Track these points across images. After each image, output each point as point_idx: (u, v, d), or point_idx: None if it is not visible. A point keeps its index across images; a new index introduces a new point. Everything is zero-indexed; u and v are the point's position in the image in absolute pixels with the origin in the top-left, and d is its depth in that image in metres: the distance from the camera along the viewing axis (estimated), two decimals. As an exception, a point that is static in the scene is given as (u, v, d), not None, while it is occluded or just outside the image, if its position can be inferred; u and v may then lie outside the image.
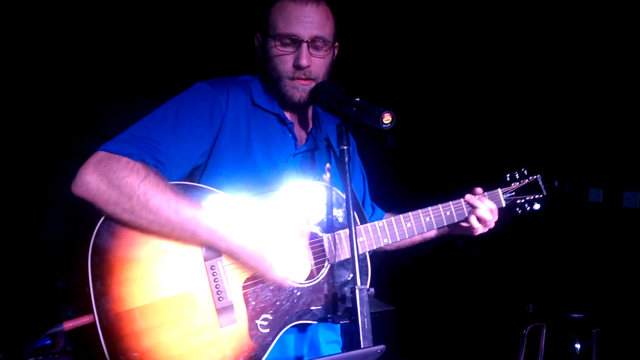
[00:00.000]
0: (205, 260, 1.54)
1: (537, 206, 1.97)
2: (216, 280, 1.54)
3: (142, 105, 1.71)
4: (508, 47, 4.20)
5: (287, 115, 1.82)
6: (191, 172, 1.69)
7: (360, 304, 1.43)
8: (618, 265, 3.59)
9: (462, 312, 4.19)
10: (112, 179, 1.43)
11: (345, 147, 1.57)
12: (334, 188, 1.73)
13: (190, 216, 1.46)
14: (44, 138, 4.52)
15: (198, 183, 1.67)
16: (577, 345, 3.28)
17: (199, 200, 1.54)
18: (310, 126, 1.91)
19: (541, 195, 1.97)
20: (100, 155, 1.47)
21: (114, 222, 1.46)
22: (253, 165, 1.70)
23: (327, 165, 1.87)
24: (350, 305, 1.48)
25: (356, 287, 1.43)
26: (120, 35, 4.38)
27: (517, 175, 1.99)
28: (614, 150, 3.73)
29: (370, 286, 1.64)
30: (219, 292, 1.53)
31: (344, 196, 1.71)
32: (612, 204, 3.74)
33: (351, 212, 1.52)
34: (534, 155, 3.85)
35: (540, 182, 1.97)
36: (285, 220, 1.64)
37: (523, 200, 1.98)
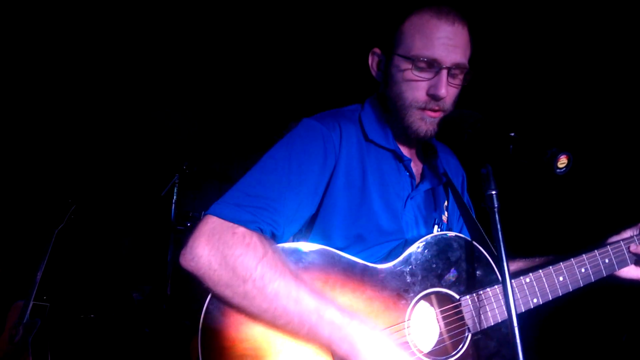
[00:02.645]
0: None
1: None
2: None
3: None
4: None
5: (403, 149, 1.56)
6: None
7: None
8: None
9: (548, 333, 3.75)
10: (227, 256, 1.23)
11: (493, 193, 1.27)
12: (470, 240, 1.44)
13: (312, 308, 1.23)
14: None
15: (307, 236, 1.47)
16: None
17: (321, 271, 1.32)
18: (425, 158, 1.64)
19: None
20: (213, 222, 1.27)
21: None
22: (370, 214, 1.46)
23: (445, 203, 1.62)
24: None
25: None
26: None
27: None
28: None
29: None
30: None
31: (479, 247, 1.45)
32: None
33: (505, 270, 1.22)
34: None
35: None
36: (414, 289, 1.39)
37: None
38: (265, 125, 4.86)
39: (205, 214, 1.29)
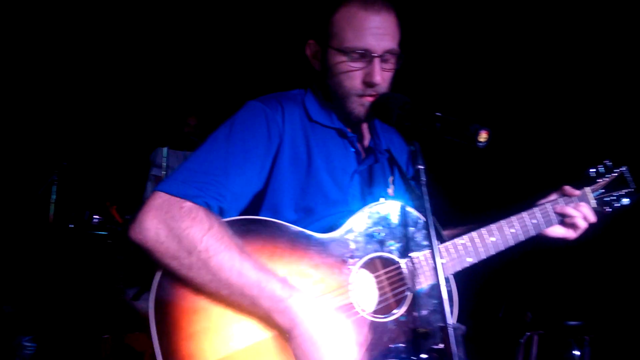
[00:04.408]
0: None
1: (625, 201, 1.78)
2: None
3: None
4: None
5: (348, 129, 1.65)
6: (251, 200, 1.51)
7: (454, 346, 1.26)
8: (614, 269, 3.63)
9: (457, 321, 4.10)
10: (174, 229, 1.29)
11: (421, 168, 1.40)
12: (410, 207, 1.55)
13: (254, 281, 1.30)
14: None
15: (257, 213, 1.51)
16: (576, 352, 3.29)
17: (268, 241, 1.39)
18: (368, 137, 1.73)
19: (631, 190, 1.79)
20: (161, 197, 1.33)
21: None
22: (317, 187, 1.53)
23: (391, 178, 1.72)
24: (438, 342, 1.35)
25: (448, 325, 1.26)
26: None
27: (602, 169, 1.80)
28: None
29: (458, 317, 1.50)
30: None
31: (417, 213, 1.56)
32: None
33: (434, 236, 1.35)
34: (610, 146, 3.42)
35: (628, 175, 1.80)
36: (358, 254, 1.47)
37: (611, 197, 1.79)
38: (155, 119, 4.65)
39: (154, 191, 1.35)
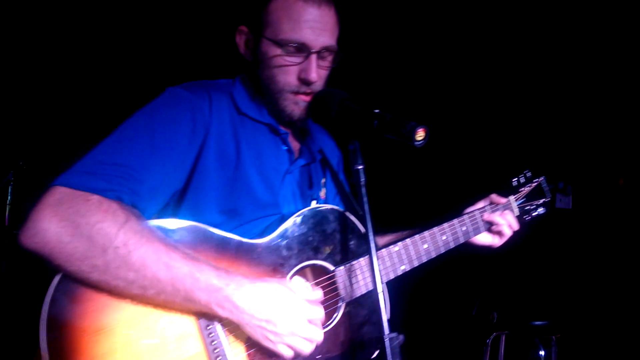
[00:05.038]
0: (199, 319, 1.22)
1: (541, 210, 1.84)
2: (214, 342, 1.23)
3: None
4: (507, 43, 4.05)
5: (280, 125, 1.53)
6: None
7: (390, 357, 1.18)
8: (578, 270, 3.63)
9: (426, 321, 4.07)
10: (81, 225, 1.08)
11: (360, 167, 1.29)
12: (345, 212, 1.45)
13: (186, 272, 1.14)
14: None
15: (176, 213, 1.35)
16: (542, 352, 3.27)
17: (191, 248, 1.22)
18: (301, 136, 1.62)
19: (547, 200, 1.83)
20: (60, 193, 1.12)
21: (75, 282, 1.12)
22: (245, 187, 1.40)
23: (323, 180, 1.63)
24: (373, 353, 1.33)
25: (385, 336, 1.18)
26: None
27: (522, 179, 1.83)
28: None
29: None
30: (218, 357, 1.23)
31: (352, 218, 1.47)
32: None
33: (372, 241, 1.26)
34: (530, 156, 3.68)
35: (545, 185, 1.83)
36: (290, 262, 1.37)
37: (530, 206, 1.83)
38: (117, 117, 4.51)
39: (50, 186, 1.13)
